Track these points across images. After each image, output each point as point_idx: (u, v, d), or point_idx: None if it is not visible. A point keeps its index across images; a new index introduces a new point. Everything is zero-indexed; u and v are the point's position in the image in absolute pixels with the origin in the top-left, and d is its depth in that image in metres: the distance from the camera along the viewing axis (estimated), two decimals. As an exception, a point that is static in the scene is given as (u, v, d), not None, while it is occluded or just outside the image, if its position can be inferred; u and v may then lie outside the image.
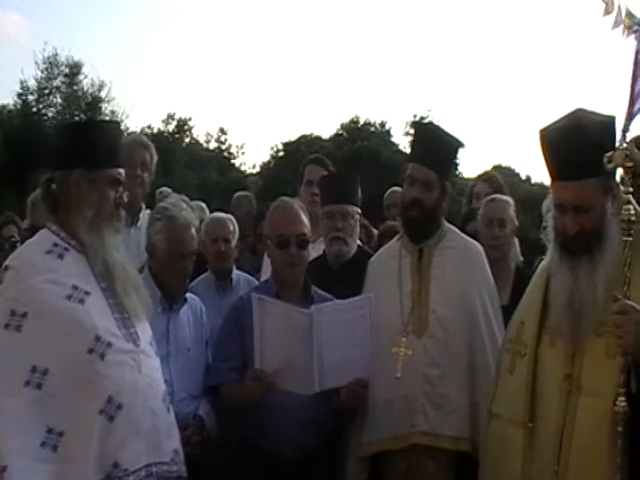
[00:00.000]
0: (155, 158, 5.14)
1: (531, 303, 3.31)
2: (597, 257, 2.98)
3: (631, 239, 2.82)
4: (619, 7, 7.80)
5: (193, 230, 4.04)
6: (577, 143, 2.93)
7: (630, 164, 2.79)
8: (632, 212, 2.81)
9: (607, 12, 7.33)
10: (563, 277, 3.08)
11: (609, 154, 2.82)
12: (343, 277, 4.30)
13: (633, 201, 3.02)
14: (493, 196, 5.35)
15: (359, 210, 4.81)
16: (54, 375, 2.94)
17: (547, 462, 3.02)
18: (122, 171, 3.33)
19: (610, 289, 2.88)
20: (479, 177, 6.91)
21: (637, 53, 8.58)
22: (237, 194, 8.46)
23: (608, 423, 2.81)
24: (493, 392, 3.44)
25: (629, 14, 8.50)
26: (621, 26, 7.56)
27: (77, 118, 31.89)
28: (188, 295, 4.18)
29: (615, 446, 2.79)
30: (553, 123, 3.11)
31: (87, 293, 3.10)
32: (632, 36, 7.59)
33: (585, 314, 2.98)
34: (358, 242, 5.43)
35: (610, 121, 3.03)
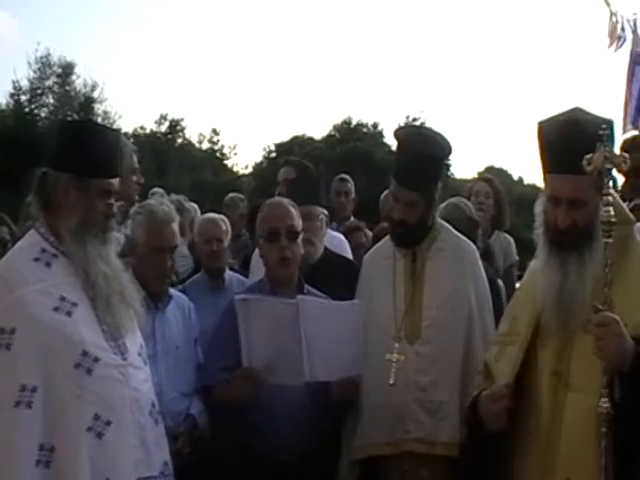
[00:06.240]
0: None
1: (525, 301, 3.27)
2: (586, 255, 2.97)
3: (611, 241, 2.80)
4: (616, 21, 7.92)
5: (173, 226, 4.03)
6: (578, 136, 2.91)
7: (609, 166, 2.79)
8: (612, 213, 2.80)
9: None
10: (552, 272, 3.06)
11: (588, 156, 2.81)
12: (312, 279, 4.20)
13: (619, 200, 3.03)
14: None
15: (325, 211, 4.74)
16: (42, 391, 2.92)
17: (538, 459, 3.03)
18: (115, 181, 3.25)
19: (598, 288, 2.89)
20: (479, 177, 7.05)
21: (631, 56, 8.70)
22: (230, 195, 8.51)
23: (595, 420, 2.80)
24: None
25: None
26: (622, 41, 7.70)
27: (70, 118, 31.69)
28: (174, 293, 4.18)
29: (600, 446, 2.78)
30: (553, 116, 3.10)
31: (75, 304, 3.06)
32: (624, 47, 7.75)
33: (574, 310, 2.98)
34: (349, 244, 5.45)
35: (610, 122, 3.02)
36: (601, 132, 2.80)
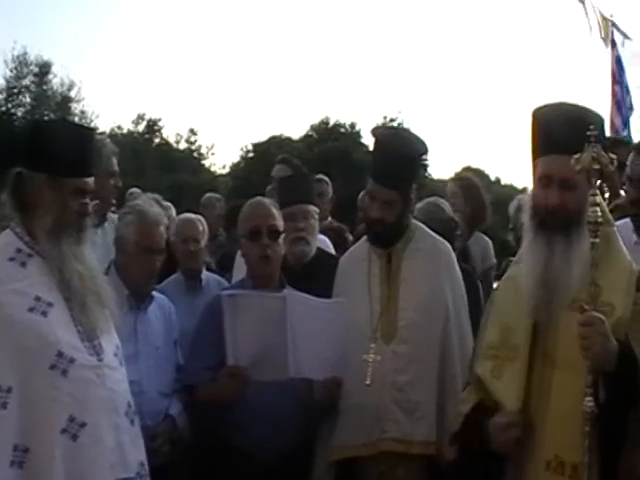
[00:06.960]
0: None
1: (515, 310, 3.16)
2: (573, 236, 2.96)
3: (598, 241, 2.80)
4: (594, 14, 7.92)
5: (162, 228, 4.04)
6: (575, 120, 2.93)
7: (597, 167, 2.78)
8: (599, 214, 2.80)
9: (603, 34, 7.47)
10: (538, 250, 3.03)
11: (577, 156, 2.81)
12: (305, 278, 4.25)
13: (603, 202, 3.04)
14: None
15: (317, 210, 4.79)
16: (18, 392, 2.90)
17: (525, 437, 2.98)
18: (89, 180, 3.25)
19: (584, 270, 2.86)
20: (451, 178, 7.03)
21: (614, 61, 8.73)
22: (207, 195, 8.52)
23: (581, 398, 2.78)
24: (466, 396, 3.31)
25: (604, 19, 8.65)
26: (602, 35, 7.71)
27: (46, 117, 31.56)
28: (155, 294, 4.16)
29: (584, 445, 2.77)
30: (548, 104, 3.13)
31: (50, 305, 3.05)
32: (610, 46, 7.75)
33: (559, 287, 2.96)
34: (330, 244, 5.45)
35: (602, 120, 3.07)
36: (589, 132, 2.79)
